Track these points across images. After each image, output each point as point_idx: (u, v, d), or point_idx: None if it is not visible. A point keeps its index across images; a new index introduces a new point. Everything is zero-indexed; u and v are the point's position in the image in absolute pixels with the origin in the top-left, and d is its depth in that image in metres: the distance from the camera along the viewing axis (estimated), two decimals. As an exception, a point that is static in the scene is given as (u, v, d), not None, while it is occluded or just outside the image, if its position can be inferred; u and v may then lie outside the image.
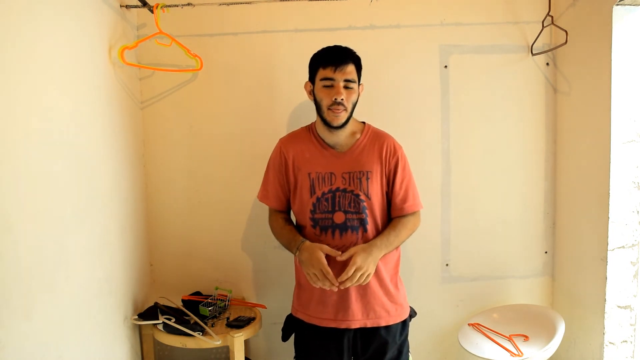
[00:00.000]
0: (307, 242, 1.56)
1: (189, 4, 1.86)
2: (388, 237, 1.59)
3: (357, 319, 1.58)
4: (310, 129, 1.69)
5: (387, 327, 1.61)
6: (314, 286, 1.54)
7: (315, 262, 1.50)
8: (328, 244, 1.57)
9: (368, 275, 1.50)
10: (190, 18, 1.97)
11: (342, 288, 1.51)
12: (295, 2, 1.93)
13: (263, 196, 1.72)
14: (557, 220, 2.17)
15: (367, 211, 1.60)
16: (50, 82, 1.33)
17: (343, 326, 1.58)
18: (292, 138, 1.71)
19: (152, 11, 1.83)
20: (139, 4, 1.81)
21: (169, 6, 1.85)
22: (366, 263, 1.49)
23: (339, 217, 1.59)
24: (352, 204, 1.58)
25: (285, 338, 1.71)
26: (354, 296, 1.58)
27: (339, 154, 1.62)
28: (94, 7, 1.61)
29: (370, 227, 1.60)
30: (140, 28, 1.99)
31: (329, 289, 1.51)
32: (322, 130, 1.63)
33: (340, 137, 1.62)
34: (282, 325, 1.73)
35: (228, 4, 1.89)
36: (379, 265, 1.59)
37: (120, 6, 1.84)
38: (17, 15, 1.18)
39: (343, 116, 1.56)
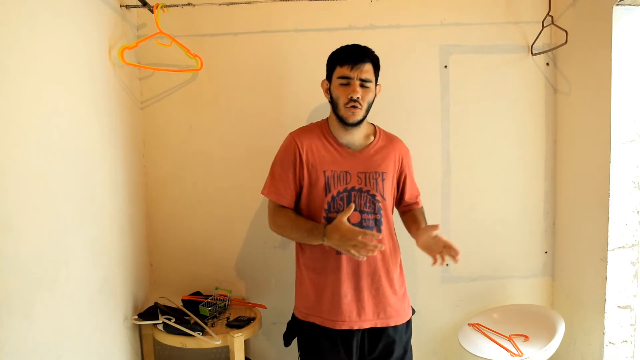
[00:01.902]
0: (329, 225, 1.50)
1: (189, 4, 1.86)
2: (423, 220, 1.70)
3: (369, 319, 1.58)
4: (322, 125, 1.66)
5: (394, 326, 1.61)
6: (362, 259, 1.48)
7: (349, 234, 1.43)
8: None
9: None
10: (190, 18, 1.97)
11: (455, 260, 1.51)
12: (295, 2, 1.93)
13: (271, 191, 1.62)
14: (557, 220, 2.17)
15: (382, 212, 1.60)
16: (49, 82, 1.32)
17: (356, 327, 1.57)
18: (304, 132, 1.65)
19: (152, 11, 1.83)
20: (139, 4, 1.81)
21: (169, 6, 1.85)
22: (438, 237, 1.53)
23: (354, 217, 1.57)
24: (368, 204, 1.58)
25: (287, 344, 1.68)
26: (366, 296, 1.57)
27: (354, 153, 1.61)
28: (93, 7, 1.61)
29: (384, 228, 1.60)
30: (140, 28, 1.99)
31: (375, 248, 1.42)
32: (336, 128, 1.62)
33: (355, 137, 1.62)
34: (282, 325, 1.72)
35: (228, 4, 1.88)
36: (390, 265, 1.60)
37: (120, 6, 1.84)
38: (16, 15, 1.18)
39: (359, 114, 1.55)
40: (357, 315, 1.57)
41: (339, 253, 1.56)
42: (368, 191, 1.59)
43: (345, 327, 1.57)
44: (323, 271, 1.59)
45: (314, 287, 1.61)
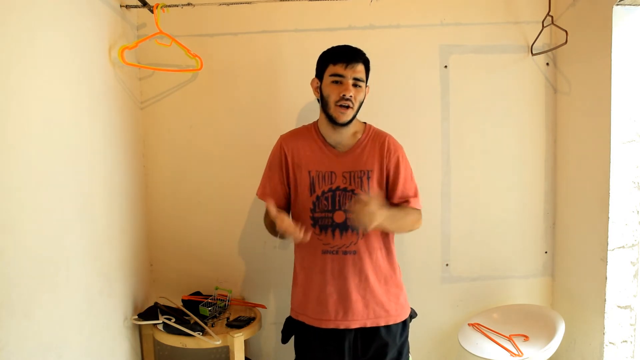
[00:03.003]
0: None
1: (189, 4, 1.86)
2: (397, 212, 1.56)
3: (357, 319, 1.58)
4: (312, 127, 1.68)
5: (388, 328, 1.61)
6: (299, 238, 1.47)
7: (279, 225, 1.45)
8: (328, 243, 1.58)
9: (370, 218, 1.39)
10: (190, 18, 1.97)
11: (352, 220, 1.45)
12: (295, 2, 1.93)
13: (262, 193, 1.68)
14: (557, 220, 2.17)
15: None
16: (49, 82, 1.33)
17: (342, 326, 1.58)
18: (293, 135, 1.70)
19: (152, 11, 1.83)
20: (139, 4, 1.81)
21: (169, 6, 1.85)
22: (377, 210, 1.39)
23: (339, 217, 1.59)
24: None
25: (285, 340, 1.70)
26: (354, 296, 1.57)
27: (340, 153, 1.62)
28: (93, 7, 1.61)
29: None
30: (140, 28, 1.99)
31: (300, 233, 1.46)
32: (325, 128, 1.63)
33: (343, 136, 1.62)
34: (282, 325, 1.72)
35: (228, 4, 1.89)
36: (380, 264, 1.60)
37: (120, 6, 1.84)
38: (16, 15, 1.18)
39: (349, 114, 1.56)
40: (344, 315, 1.57)
41: (324, 252, 1.59)
42: (352, 190, 1.58)
43: (331, 326, 1.58)
44: (310, 270, 1.62)
45: (302, 286, 1.65)
